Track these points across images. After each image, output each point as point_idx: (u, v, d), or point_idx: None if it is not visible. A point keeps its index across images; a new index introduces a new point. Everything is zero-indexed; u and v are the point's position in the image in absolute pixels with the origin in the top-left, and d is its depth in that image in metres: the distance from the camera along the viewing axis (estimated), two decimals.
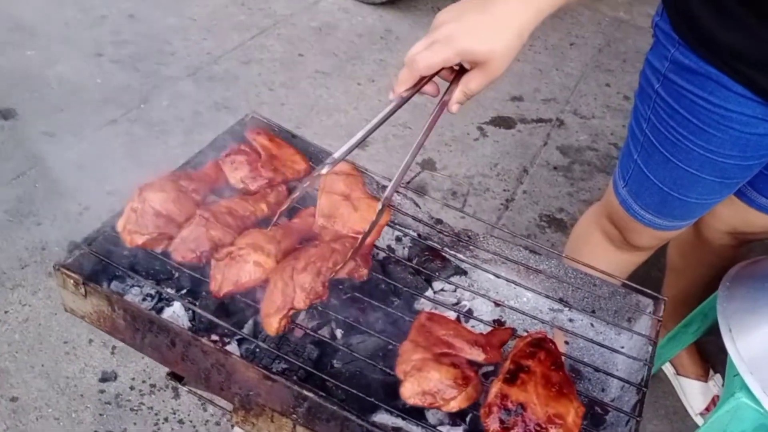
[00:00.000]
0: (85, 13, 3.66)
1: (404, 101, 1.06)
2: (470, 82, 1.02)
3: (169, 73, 3.32)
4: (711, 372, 2.24)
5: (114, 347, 2.09)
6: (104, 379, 2.01)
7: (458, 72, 1.04)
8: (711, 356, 2.26)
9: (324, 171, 1.09)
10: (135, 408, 1.96)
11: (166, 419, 1.94)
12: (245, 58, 3.53)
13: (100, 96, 3.10)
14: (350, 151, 1.11)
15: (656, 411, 2.19)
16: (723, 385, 1.76)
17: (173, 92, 3.21)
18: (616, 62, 3.98)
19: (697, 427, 1.80)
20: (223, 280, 1.09)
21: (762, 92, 1.22)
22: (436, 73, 1.03)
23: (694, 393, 2.21)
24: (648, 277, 2.46)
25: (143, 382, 2.02)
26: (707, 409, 2.16)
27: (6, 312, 2.14)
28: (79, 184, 2.62)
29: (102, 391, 1.98)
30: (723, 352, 1.50)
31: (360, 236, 1.20)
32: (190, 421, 1.95)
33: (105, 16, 3.64)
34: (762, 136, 1.30)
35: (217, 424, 1.96)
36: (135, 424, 1.92)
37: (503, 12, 0.97)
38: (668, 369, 2.28)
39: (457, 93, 1.04)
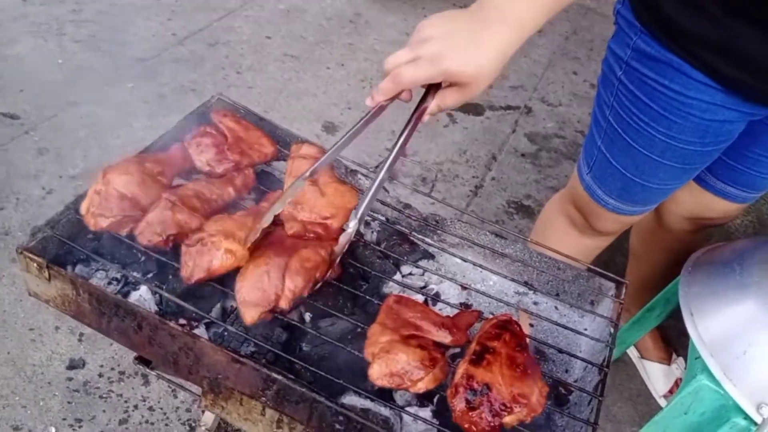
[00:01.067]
0: None
1: (382, 110, 1.09)
2: (447, 98, 1.04)
3: (132, 54, 3.25)
4: (674, 355, 2.30)
5: (81, 334, 2.06)
6: (72, 367, 1.99)
7: (436, 84, 1.05)
8: (674, 340, 2.33)
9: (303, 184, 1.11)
10: (104, 395, 1.94)
11: (135, 406, 1.93)
12: (212, 39, 3.48)
13: (61, 77, 3.03)
14: (332, 158, 1.14)
15: (621, 394, 2.24)
16: (685, 368, 1.81)
17: (137, 73, 3.15)
18: (582, 50, 4.02)
19: (661, 409, 1.84)
20: (195, 267, 1.08)
21: (723, 79, 1.25)
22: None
23: (657, 376, 2.26)
24: (612, 262, 2.52)
25: (112, 369, 2.00)
26: (671, 391, 2.22)
27: None
28: (41, 167, 2.58)
29: (70, 379, 1.95)
30: (685, 335, 1.54)
31: (327, 221, 1.21)
32: (161, 408, 1.94)
33: None
34: (722, 123, 1.33)
35: (188, 410, 1.95)
36: (104, 411, 1.90)
37: (492, 36, 0.99)
38: (633, 353, 2.33)
39: (433, 106, 1.06)
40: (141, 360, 1.16)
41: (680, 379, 2.22)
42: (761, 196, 1.77)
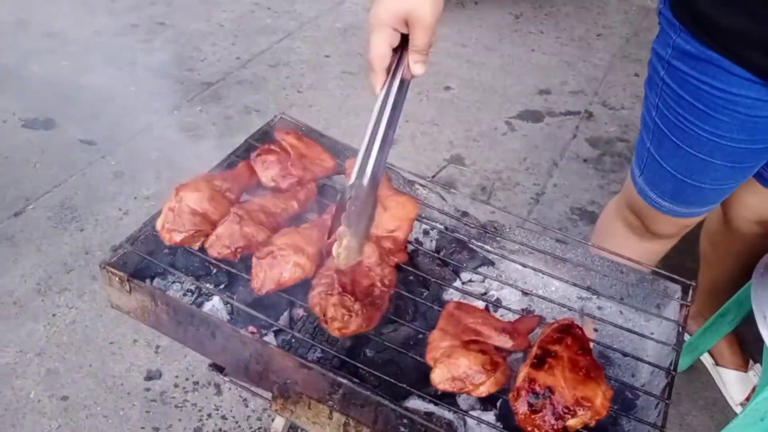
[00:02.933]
0: (116, 20, 3.77)
1: (390, 90, 1.10)
2: (414, 41, 1.09)
3: (199, 79, 3.40)
4: (751, 362, 2.21)
5: (158, 346, 2.16)
6: (149, 378, 2.08)
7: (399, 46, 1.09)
8: (749, 345, 2.24)
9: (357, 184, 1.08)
10: (179, 405, 2.01)
11: (209, 415, 2.00)
12: (273, 61, 3.59)
13: (134, 103, 3.19)
14: (365, 161, 1.10)
15: (695, 403, 2.17)
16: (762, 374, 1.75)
17: (204, 97, 3.29)
18: (644, 52, 3.93)
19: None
20: (266, 278, 1.14)
21: (764, 74, 1.22)
22: (397, 55, 1.09)
23: (733, 383, 2.19)
24: (682, 266, 2.45)
25: (186, 379, 2.08)
26: (747, 398, 2.14)
27: (53, 315, 2.22)
28: (118, 189, 2.72)
29: (147, 389, 2.04)
30: (761, 340, 1.49)
31: (393, 234, 1.24)
32: (233, 417, 2.00)
33: (135, 25, 3.74)
34: None
35: (259, 419, 2.01)
36: (180, 420, 1.97)
37: None
38: (707, 360, 2.26)
39: (410, 55, 1.10)
40: (215, 367, 1.22)
41: (757, 386, 2.14)
42: None
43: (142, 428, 1.95)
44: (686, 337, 2.08)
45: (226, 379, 1.23)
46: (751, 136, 1.33)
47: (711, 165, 1.40)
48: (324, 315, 1.09)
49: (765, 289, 1.57)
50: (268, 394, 1.18)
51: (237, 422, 1.99)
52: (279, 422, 1.54)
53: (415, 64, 1.10)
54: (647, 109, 1.48)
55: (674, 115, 1.38)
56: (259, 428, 1.98)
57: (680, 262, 2.49)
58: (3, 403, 1.96)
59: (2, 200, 2.61)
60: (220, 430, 1.97)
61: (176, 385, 2.07)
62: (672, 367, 1.12)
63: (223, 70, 3.48)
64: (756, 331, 1.51)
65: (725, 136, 1.33)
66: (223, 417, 2.00)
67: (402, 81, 1.09)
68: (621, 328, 1.22)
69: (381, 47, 1.08)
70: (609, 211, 1.87)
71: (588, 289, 1.32)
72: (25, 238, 2.48)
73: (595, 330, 1.32)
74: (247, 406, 2.03)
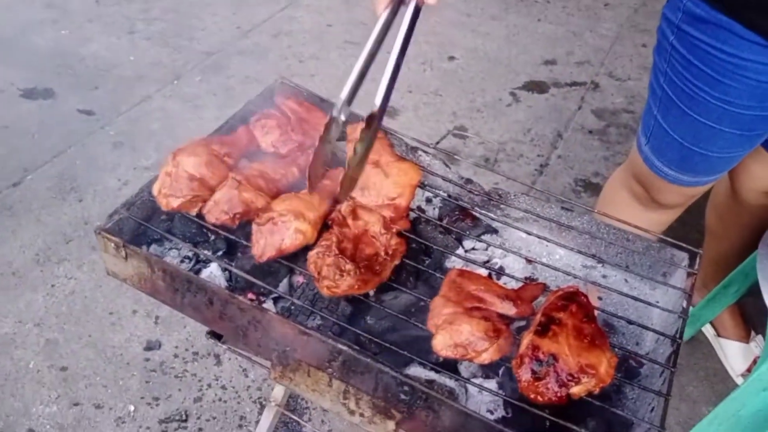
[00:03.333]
0: None
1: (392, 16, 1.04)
2: None
3: (200, 48, 3.35)
4: (752, 333, 2.20)
5: (157, 317, 2.15)
6: (149, 348, 2.08)
7: None
8: (752, 317, 2.23)
9: (343, 117, 1.04)
10: (179, 375, 2.01)
11: (209, 385, 2.00)
12: (274, 30, 3.54)
13: (133, 73, 3.16)
14: (357, 85, 1.04)
15: (696, 373, 2.17)
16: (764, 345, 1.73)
17: (205, 67, 3.24)
18: (652, 22, 3.84)
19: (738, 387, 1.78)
20: (266, 245, 1.11)
21: None
22: None
23: (734, 354, 2.18)
24: (687, 238, 2.42)
25: (186, 350, 2.08)
26: (749, 370, 2.13)
27: (53, 285, 2.21)
28: (117, 160, 2.69)
29: (147, 360, 2.04)
30: (764, 312, 1.47)
31: (395, 201, 1.22)
32: (233, 387, 2.00)
33: None
34: None
35: (259, 389, 2.01)
36: (180, 390, 1.98)
37: None
38: (708, 331, 2.24)
39: None
40: (213, 334, 1.21)
41: (758, 357, 2.13)
42: None
43: (142, 398, 1.95)
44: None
45: (225, 347, 1.22)
46: (760, 102, 1.30)
47: (719, 132, 1.38)
48: (318, 274, 1.07)
49: None
50: (266, 363, 1.16)
51: (237, 392, 1.99)
52: (278, 391, 1.53)
53: None
54: (655, 77, 1.46)
55: (682, 81, 1.36)
56: (259, 398, 1.98)
57: (685, 233, 2.46)
58: (2, 373, 1.96)
59: (1, 171, 2.59)
60: (219, 399, 1.97)
61: (176, 356, 2.06)
62: (678, 335, 1.10)
63: (224, 40, 3.43)
64: (759, 303, 1.49)
65: (734, 102, 1.31)
66: (223, 387, 2.00)
67: (416, 8, 1.03)
68: (626, 295, 1.20)
69: None
70: (614, 181, 1.85)
71: (593, 256, 1.29)
72: (24, 208, 2.46)
73: (600, 298, 1.30)
74: (246, 376, 2.02)
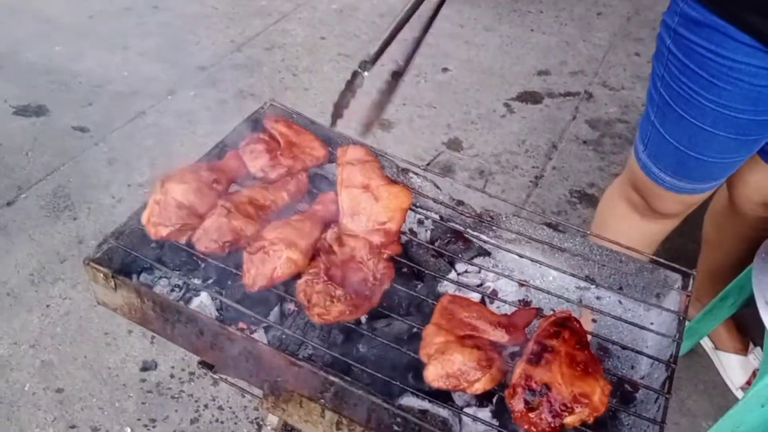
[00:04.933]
0: (109, 4, 3.70)
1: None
2: None
3: (194, 63, 3.35)
4: (751, 345, 2.19)
5: (153, 337, 2.14)
6: (145, 368, 2.06)
7: None
8: (750, 329, 2.22)
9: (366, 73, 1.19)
10: (176, 396, 2.00)
11: (206, 406, 1.98)
12: (268, 44, 3.54)
13: (127, 89, 3.15)
14: (384, 47, 1.20)
15: (695, 387, 2.16)
16: (762, 358, 1.73)
17: (199, 82, 3.24)
18: (645, 30, 3.87)
19: (737, 401, 1.77)
20: (257, 274, 1.10)
21: (766, 40, 1.20)
22: None
23: (733, 367, 2.17)
24: (684, 250, 2.42)
25: (182, 370, 2.06)
26: (748, 382, 2.12)
27: (47, 306, 2.20)
28: (111, 177, 2.68)
29: (143, 380, 2.03)
30: (761, 324, 1.47)
31: (384, 226, 1.21)
32: (230, 407, 1.99)
33: (129, 8, 3.69)
34: None
35: (256, 409, 1.99)
36: (176, 411, 1.96)
37: None
38: (707, 343, 2.24)
39: None
40: (204, 364, 1.20)
41: (758, 369, 2.12)
42: None
43: (139, 419, 1.93)
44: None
45: (216, 376, 1.21)
46: (755, 106, 1.31)
47: (714, 137, 1.38)
48: (308, 302, 1.07)
49: (766, 273, 1.55)
50: (259, 391, 1.15)
51: (234, 412, 1.98)
52: (273, 417, 1.52)
53: None
54: (653, 82, 1.47)
55: (678, 84, 1.37)
56: (257, 418, 1.97)
57: (682, 244, 2.46)
58: None
59: None
60: (217, 420, 1.95)
61: (172, 376, 2.05)
62: (672, 360, 1.09)
63: (218, 54, 3.42)
64: (757, 315, 1.49)
65: (729, 105, 1.32)
66: (220, 407, 1.98)
67: None
68: (620, 319, 1.19)
69: None
70: (611, 191, 1.85)
71: (586, 278, 1.29)
72: (18, 227, 2.45)
73: (594, 321, 1.30)
74: (243, 396, 2.01)
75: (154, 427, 1.92)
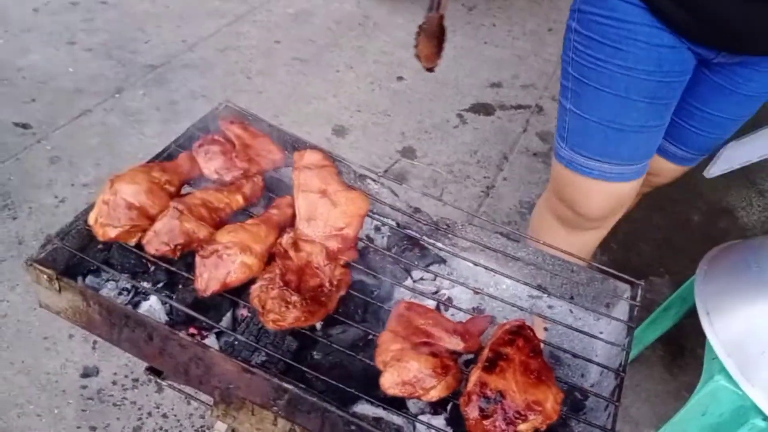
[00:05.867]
0: None
1: None
2: None
3: (143, 61, 3.27)
4: None
5: (95, 342, 2.07)
6: (86, 375, 1.99)
7: None
8: (691, 339, 2.30)
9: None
10: (118, 403, 1.94)
11: (149, 414, 1.93)
12: (221, 45, 3.49)
13: (73, 85, 3.05)
14: None
15: (638, 395, 2.22)
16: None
17: (148, 81, 3.16)
18: None
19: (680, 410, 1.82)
20: (210, 279, 1.08)
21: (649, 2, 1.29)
22: None
23: None
24: (627, 261, 2.49)
25: (125, 376, 2.00)
26: None
27: None
28: (54, 176, 2.59)
29: (84, 387, 1.96)
30: (702, 335, 1.51)
31: (342, 232, 1.20)
32: (174, 415, 1.94)
33: (76, 3, 3.58)
34: (671, 49, 1.35)
35: (202, 417, 1.95)
36: (118, 419, 1.90)
37: None
38: None
39: None
40: (152, 371, 1.16)
41: None
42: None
43: (78, 427, 1.87)
44: None
45: (165, 383, 1.17)
46: (659, 67, 1.37)
47: (629, 103, 1.43)
48: (263, 308, 1.05)
49: (708, 284, 1.60)
50: (209, 399, 1.12)
51: (179, 420, 1.93)
52: (221, 425, 1.49)
53: None
54: (564, 73, 1.52)
55: (587, 59, 1.42)
56: (202, 426, 1.93)
57: (626, 257, 2.54)
58: None
59: None
60: (161, 429, 1.90)
61: (114, 383, 1.99)
62: (621, 369, 1.12)
63: (169, 53, 3.35)
64: (698, 325, 1.53)
65: (635, 68, 1.37)
66: (164, 415, 1.93)
67: None
68: (571, 328, 1.21)
69: None
70: (539, 207, 1.89)
71: (538, 287, 1.31)
72: None
73: (546, 329, 1.32)
74: (189, 404, 1.96)
75: None
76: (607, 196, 1.63)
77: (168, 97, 3.07)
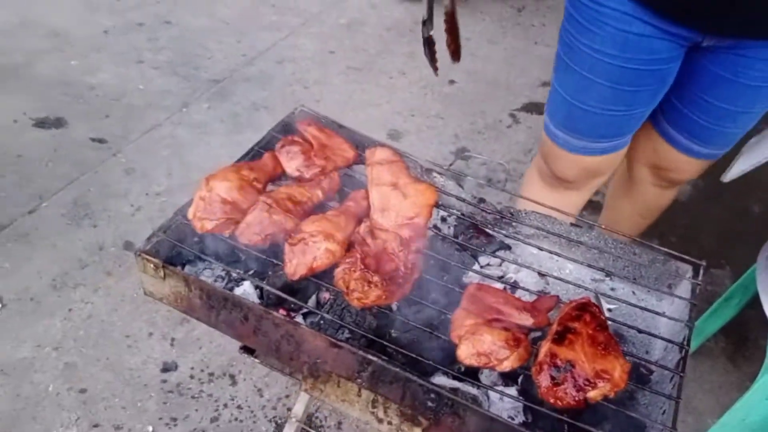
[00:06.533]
0: (121, 19, 3.79)
1: None
2: None
3: (206, 76, 3.43)
4: None
5: (173, 339, 2.20)
6: (165, 369, 2.12)
7: None
8: (753, 329, 2.28)
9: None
10: (195, 396, 2.05)
11: (225, 405, 2.03)
12: (278, 57, 3.63)
13: (143, 101, 3.23)
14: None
15: (701, 386, 2.21)
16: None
17: (212, 95, 3.32)
18: None
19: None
20: (298, 264, 1.18)
21: None
22: None
23: None
24: (687, 254, 2.49)
25: (202, 371, 2.12)
26: None
27: (70, 310, 2.25)
28: (129, 186, 2.75)
29: (164, 381, 2.08)
30: (765, 324, 1.53)
31: (413, 220, 1.29)
32: (248, 407, 2.04)
33: (142, 24, 3.77)
34: (639, 37, 1.37)
35: (274, 408, 2.04)
36: (197, 410, 2.01)
37: None
38: None
39: None
40: (246, 349, 1.26)
41: None
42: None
43: (160, 419, 1.99)
44: None
45: (257, 361, 1.27)
46: (623, 52, 1.40)
47: (593, 84, 1.47)
48: (347, 288, 1.14)
49: None
50: (280, 388, 1.21)
51: (252, 411, 2.03)
52: (299, 407, 1.58)
53: None
54: (557, 55, 1.57)
55: (566, 35, 1.49)
56: (274, 417, 2.02)
57: (685, 250, 2.54)
58: (22, 397, 1.99)
59: (16, 198, 2.64)
60: (236, 419, 2.00)
61: (192, 377, 2.10)
62: (685, 342, 1.17)
63: (230, 68, 3.51)
64: (761, 315, 1.55)
65: (599, 50, 1.42)
66: (239, 407, 2.03)
67: None
68: (634, 306, 1.27)
69: None
70: (531, 165, 1.96)
71: (602, 270, 1.36)
72: (40, 235, 2.51)
73: (609, 310, 1.37)
74: (262, 395, 2.06)
75: (175, 425, 1.98)
76: (573, 165, 1.71)
77: (231, 110, 3.22)
